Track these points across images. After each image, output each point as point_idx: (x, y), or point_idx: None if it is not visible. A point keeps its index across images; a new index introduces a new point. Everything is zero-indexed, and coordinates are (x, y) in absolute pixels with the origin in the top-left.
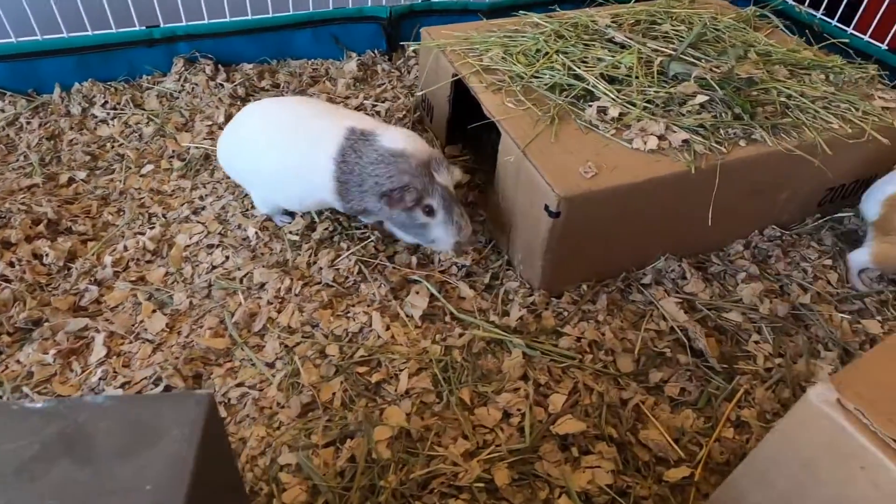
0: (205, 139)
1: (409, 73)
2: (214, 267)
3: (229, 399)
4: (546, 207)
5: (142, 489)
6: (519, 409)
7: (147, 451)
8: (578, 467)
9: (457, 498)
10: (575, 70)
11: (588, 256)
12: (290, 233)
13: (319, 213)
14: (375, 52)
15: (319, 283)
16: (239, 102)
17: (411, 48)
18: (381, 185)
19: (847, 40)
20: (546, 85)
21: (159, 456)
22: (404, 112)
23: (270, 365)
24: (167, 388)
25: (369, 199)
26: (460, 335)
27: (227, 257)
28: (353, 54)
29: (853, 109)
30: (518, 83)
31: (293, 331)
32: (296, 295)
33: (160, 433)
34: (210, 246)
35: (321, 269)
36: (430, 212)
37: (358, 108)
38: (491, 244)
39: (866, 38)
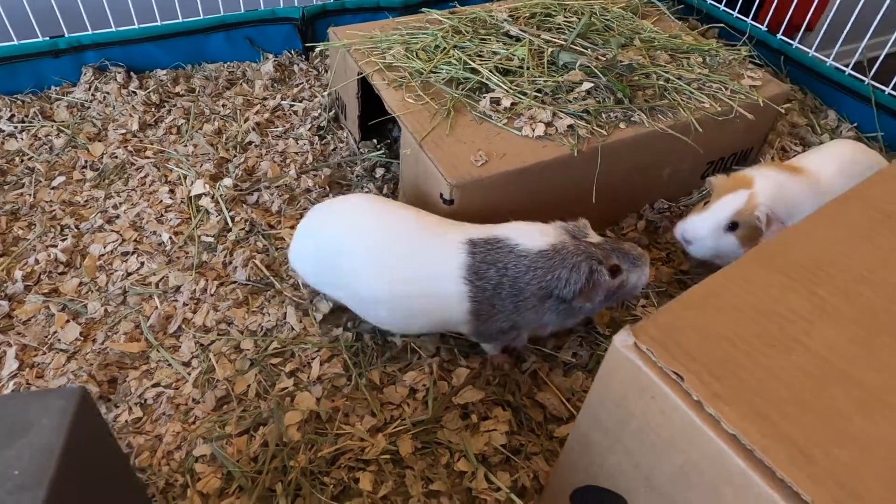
0: (119, 148)
1: (325, 71)
2: (129, 273)
3: (145, 400)
4: (441, 196)
5: (9, 475)
6: (424, 385)
7: (17, 441)
8: (477, 432)
9: (364, 470)
10: (470, 64)
11: None
12: (206, 235)
13: (232, 214)
14: (292, 52)
15: (235, 282)
16: (153, 109)
17: (318, 49)
18: (553, 288)
19: (723, 24)
20: (443, 80)
21: (28, 445)
22: (319, 111)
23: (186, 364)
24: None
25: (528, 309)
26: None
27: (143, 263)
28: (270, 55)
29: (724, 89)
30: (418, 79)
31: (208, 329)
32: (211, 295)
33: (29, 425)
34: (125, 253)
35: (236, 268)
36: (617, 270)
37: (275, 109)
38: None
39: (749, 20)
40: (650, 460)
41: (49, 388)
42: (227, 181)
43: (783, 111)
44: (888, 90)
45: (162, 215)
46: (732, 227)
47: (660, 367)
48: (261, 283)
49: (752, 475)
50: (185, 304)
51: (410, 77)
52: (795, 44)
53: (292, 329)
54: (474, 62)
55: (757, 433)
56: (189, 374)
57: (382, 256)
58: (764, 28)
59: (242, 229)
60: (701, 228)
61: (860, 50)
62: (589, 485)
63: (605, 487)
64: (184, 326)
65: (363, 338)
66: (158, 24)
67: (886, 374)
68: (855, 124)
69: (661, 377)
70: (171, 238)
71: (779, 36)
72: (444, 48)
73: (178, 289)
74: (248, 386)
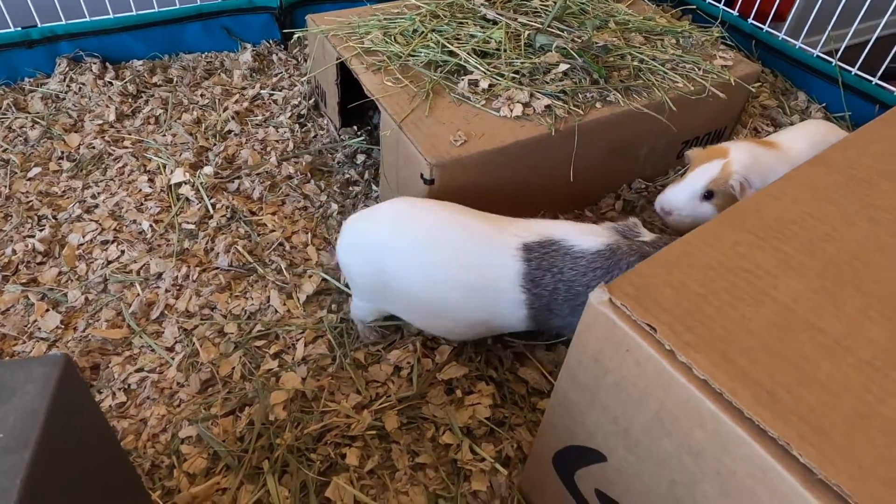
0: (96, 138)
1: (304, 60)
2: (110, 262)
3: (129, 385)
4: (421, 175)
5: None
6: (408, 363)
7: (2, 406)
8: (462, 406)
9: (350, 446)
10: (448, 47)
11: None
12: (187, 222)
13: (213, 201)
14: (270, 42)
15: (217, 268)
16: (130, 100)
17: (296, 35)
18: None
19: (696, 9)
20: (422, 63)
21: (13, 410)
22: (299, 99)
23: (170, 349)
24: None
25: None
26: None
27: (123, 251)
28: (248, 45)
29: (697, 69)
30: (396, 62)
31: (191, 315)
32: (193, 281)
33: (13, 391)
34: (105, 242)
35: (218, 254)
36: None
37: (255, 98)
38: None
39: (721, 5)
40: (627, 412)
41: (33, 357)
42: (208, 169)
43: (754, 90)
44: (854, 71)
45: (142, 204)
46: (708, 195)
47: (634, 321)
48: (243, 269)
49: (722, 416)
50: (167, 291)
51: (389, 61)
52: (766, 28)
53: (276, 312)
54: (452, 45)
55: (725, 377)
56: (173, 359)
57: (435, 271)
58: (735, 13)
59: (224, 216)
60: (678, 199)
61: (822, 40)
62: (569, 445)
63: (585, 446)
64: (166, 312)
65: (347, 319)
66: (134, 13)
67: (849, 322)
68: (824, 105)
69: (635, 330)
70: (151, 226)
71: (750, 20)
72: (422, 32)
73: (159, 275)
74: (233, 368)
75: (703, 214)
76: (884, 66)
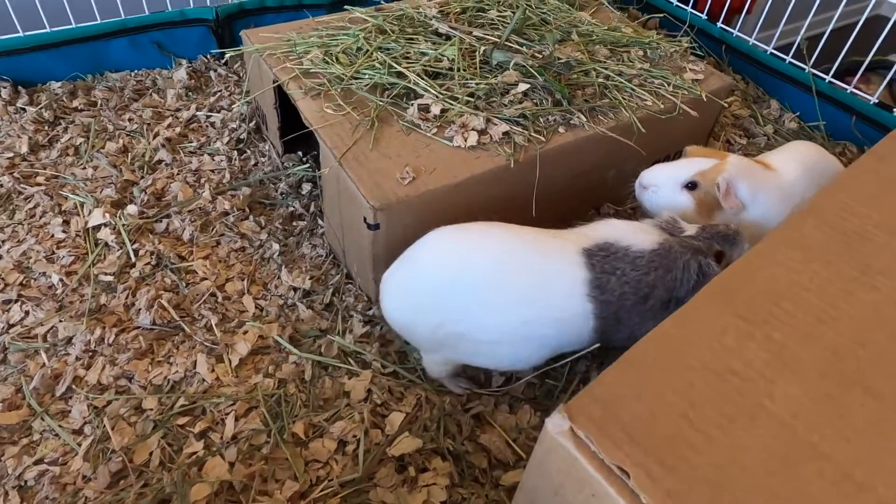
0: (3, 175)
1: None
2: (11, 326)
3: (25, 482)
4: (364, 220)
5: None
6: (354, 436)
7: None
8: (415, 487)
9: None
10: (396, 67)
11: None
12: (104, 273)
13: (136, 247)
14: (208, 56)
15: (138, 327)
16: (46, 128)
17: (227, 55)
18: (673, 290)
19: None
20: (366, 86)
21: None
22: (238, 122)
23: (77, 432)
24: None
25: (650, 319)
26: (295, 363)
27: (28, 312)
28: (183, 61)
29: (666, 84)
30: (338, 86)
31: (104, 388)
32: (108, 345)
33: None
34: (6, 302)
35: (140, 311)
36: (721, 255)
37: (190, 121)
38: (330, 256)
39: (689, 8)
40: None
41: None
42: (132, 208)
43: (726, 105)
44: (828, 78)
45: (53, 253)
46: (692, 186)
47: (601, 460)
48: (168, 327)
49: None
50: (77, 359)
51: (330, 84)
52: (736, 32)
53: (203, 381)
54: (400, 65)
55: None
56: (80, 445)
57: (498, 294)
58: (703, 16)
59: (148, 263)
60: (660, 176)
61: (778, 34)
62: None
63: None
64: (74, 386)
65: (286, 384)
66: (48, 30)
67: (861, 442)
68: (797, 114)
69: (602, 472)
70: (62, 280)
71: (719, 24)
72: (367, 50)
73: (69, 340)
74: (150, 454)
75: (677, 203)
76: (837, 62)
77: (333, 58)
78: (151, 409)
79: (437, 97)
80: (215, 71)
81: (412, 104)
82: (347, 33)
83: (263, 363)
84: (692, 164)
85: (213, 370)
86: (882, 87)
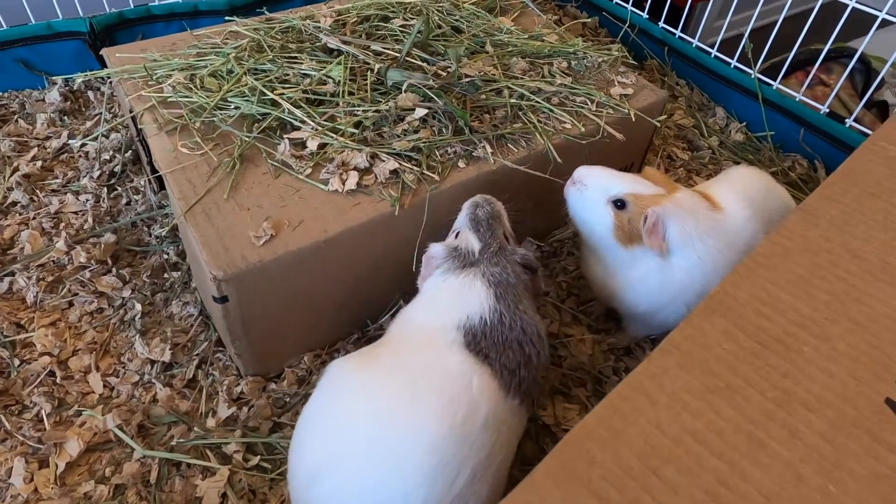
0: None
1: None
2: None
3: None
4: (211, 294)
5: None
6: None
7: None
8: None
9: None
10: (268, 94)
11: (300, 326)
12: None
13: None
14: (88, 73)
15: None
16: None
17: (78, 80)
18: None
19: (604, 12)
20: (232, 118)
21: None
22: (113, 152)
23: None
24: None
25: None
26: (140, 462)
27: None
28: (58, 80)
29: (589, 103)
30: (199, 118)
31: None
32: None
33: None
34: None
35: None
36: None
37: (60, 151)
38: (202, 316)
39: (629, 6)
40: None
41: None
42: None
43: (659, 125)
44: (776, 84)
45: None
46: (620, 204)
47: None
48: None
49: None
50: None
51: (189, 116)
52: (678, 33)
53: (16, 496)
54: (275, 90)
55: None
56: None
57: None
58: (645, 16)
59: None
60: (594, 179)
61: (725, 28)
62: None
63: None
64: None
65: (125, 491)
66: None
67: None
68: (744, 123)
69: None
70: None
71: (660, 24)
72: (237, 74)
73: None
74: None
75: (597, 216)
76: (762, 58)
77: (198, 83)
78: None
79: (315, 129)
80: (98, 91)
81: (284, 139)
82: (219, 52)
83: (101, 463)
84: (634, 182)
85: (31, 479)
86: (843, 79)
